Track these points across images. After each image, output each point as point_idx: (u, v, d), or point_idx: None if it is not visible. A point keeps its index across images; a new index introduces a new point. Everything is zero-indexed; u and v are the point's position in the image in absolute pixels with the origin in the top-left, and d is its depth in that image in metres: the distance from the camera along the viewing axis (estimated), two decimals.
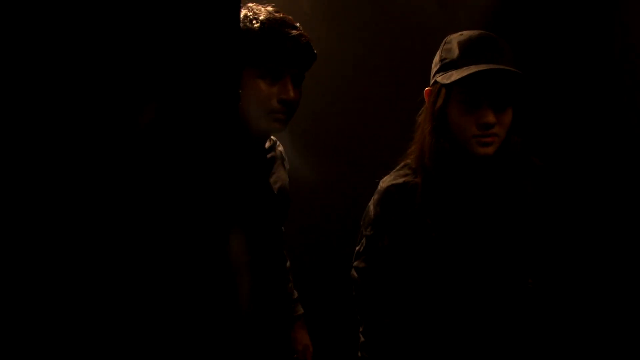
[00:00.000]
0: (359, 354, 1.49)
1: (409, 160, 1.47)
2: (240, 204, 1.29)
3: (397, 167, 1.49)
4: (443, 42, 1.44)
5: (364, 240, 1.48)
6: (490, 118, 1.34)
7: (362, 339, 1.48)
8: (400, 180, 1.43)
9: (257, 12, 1.29)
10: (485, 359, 1.40)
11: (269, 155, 1.52)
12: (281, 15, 1.32)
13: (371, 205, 1.47)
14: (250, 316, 1.37)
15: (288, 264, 1.76)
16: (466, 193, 1.41)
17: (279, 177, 1.54)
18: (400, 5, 2.22)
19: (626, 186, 1.95)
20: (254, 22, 1.26)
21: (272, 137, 1.55)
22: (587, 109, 2.06)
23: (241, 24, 1.25)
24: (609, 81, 2.00)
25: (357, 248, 1.50)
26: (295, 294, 1.78)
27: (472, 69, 1.30)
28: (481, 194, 1.42)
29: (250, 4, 1.33)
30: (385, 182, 1.46)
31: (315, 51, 1.35)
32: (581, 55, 2.06)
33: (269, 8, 1.33)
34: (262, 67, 1.27)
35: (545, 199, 1.48)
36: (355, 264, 1.50)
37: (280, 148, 1.63)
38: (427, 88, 1.46)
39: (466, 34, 1.39)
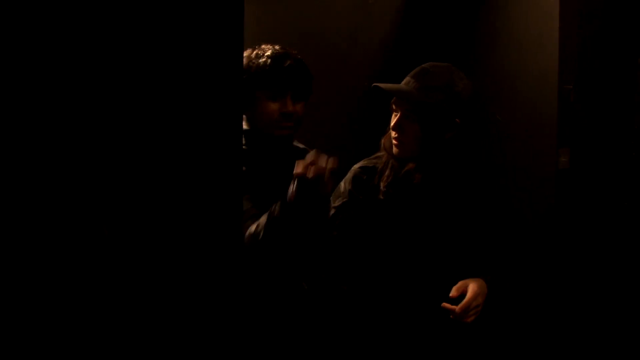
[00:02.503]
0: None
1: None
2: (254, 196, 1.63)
3: (372, 156, 1.83)
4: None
5: (333, 210, 1.77)
6: (394, 124, 1.71)
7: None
8: (370, 164, 1.80)
9: (264, 49, 1.71)
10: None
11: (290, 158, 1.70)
12: (284, 50, 1.72)
13: (343, 183, 1.79)
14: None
15: None
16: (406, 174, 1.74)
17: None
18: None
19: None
20: (260, 57, 1.69)
21: (299, 144, 1.85)
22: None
23: (251, 61, 1.69)
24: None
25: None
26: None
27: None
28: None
29: (262, 45, 1.74)
30: (357, 165, 1.83)
31: (310, 73, 1.73)
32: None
33: (276, 46, 1.72)
34: (268, 90, 1.67)
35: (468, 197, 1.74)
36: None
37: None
38: None
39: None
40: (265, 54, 1.69)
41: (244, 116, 1.72)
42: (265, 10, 2.20)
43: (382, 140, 1.79)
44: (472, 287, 1.61)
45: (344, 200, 1.76)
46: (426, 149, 1.70)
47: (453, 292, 1.60)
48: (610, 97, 2.06)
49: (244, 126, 1.73)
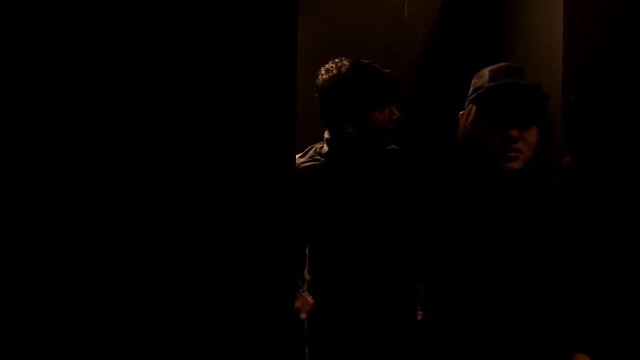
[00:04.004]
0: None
1: None
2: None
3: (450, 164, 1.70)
4: (476, 74, 1.63)
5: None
6: (513, 132, 1.45)
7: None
8: (449, 177, 1.63)
9: (361, 64, 1.83)
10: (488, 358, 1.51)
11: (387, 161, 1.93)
12: (366, 61, 1.85)
13: (422, 190, 1.69)
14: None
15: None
16: (484, 203, 1.53)
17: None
18: None
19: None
20: (362, 71, 1.82)
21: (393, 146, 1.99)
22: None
23: (349, 77, 1.79)
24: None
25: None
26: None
27: (494, 85, 1.50)
28: (498, 206, 1.53)
29: (343, 60, 1.85)
30: (438, 173, 1.69)
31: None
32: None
33: (364, 60, 1.84)
34: (376, 102, 1.80)
35: (558, 221, 1.55)
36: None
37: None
38: (461, 112, 1.65)
39: (497, 64, 1.60)
40: (368, 69, 1.82)
41: (345, 129, 1.84)
42: (307, 26, 2.48)
43: (459, 154, 1.61)
44: None
45: (431, 211, 1.62)
46: (539, 158, 1.54)
47: None
48: (616, 102, 2.19)
49: (349, 135, 1.83)
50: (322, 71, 1.87)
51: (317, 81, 1.89)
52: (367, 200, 1.85)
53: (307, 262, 2.01)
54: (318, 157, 1.92)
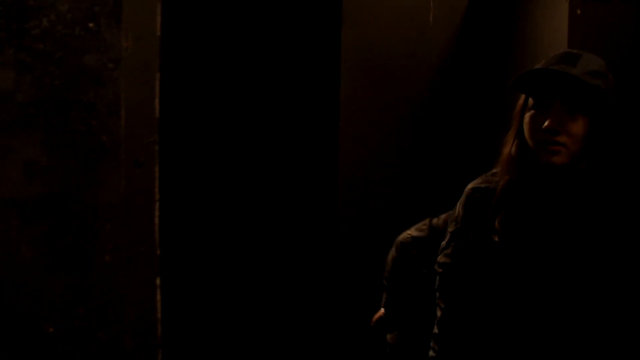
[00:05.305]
0: (432, 344, 1.49)
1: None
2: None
3: (489, 172, 1.50)
4: None
5: (448, 236, 1.50)
6: (552, 123, 1.29)
7: (436, 330, 1.48)
8: (483, 184, 1.46)
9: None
10: None
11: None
12: None
13: (457, 205, 1.50)
14: None
15: None
16: (532, 204, 1.37)
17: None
18: None
19: None
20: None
21: None
22: None
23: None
24: None
25: (442, 243, 1.53)
26: None
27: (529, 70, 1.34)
28: (546, 208, 1.35)
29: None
30: (470, 184, 1.50)
31: None
32: None
33: None
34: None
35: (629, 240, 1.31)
36: (438, 259, 1.52)
37: None
38: None
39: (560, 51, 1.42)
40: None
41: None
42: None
43: (505, 150, 1.42)
44: None
45: (457, 226, 1.48)
46: (592, 151, 1.34)
47: None
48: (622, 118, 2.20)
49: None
50: None
51: None
52: None
53: None
54: None
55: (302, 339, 2.39)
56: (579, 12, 2.34)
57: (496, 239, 1.36)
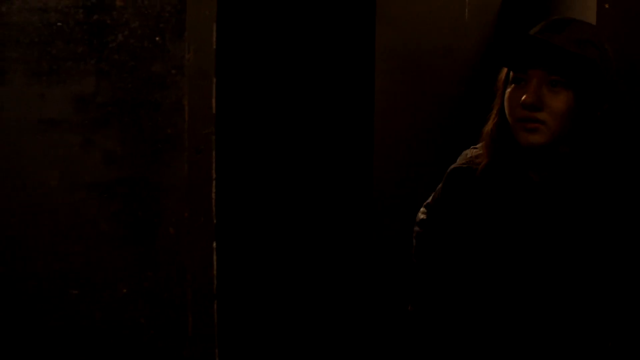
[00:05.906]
0: (409, 307, 1.46)
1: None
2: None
3: (473, 150, 1.38)
4: None
5: (424, 209, 1.47)
6: (530, 97, 1.13)
7: (413, 290, 1.47)
8: (465, 164, 1.34)
9: None
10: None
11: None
12: None
13: (439, 185, 1.43)
14: None
15: None
16: (510, 189, 1.25)
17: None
18: None
19: None
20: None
21: None
22: None
23: None
24: None
25: (417, 214, 1.50)
26: None
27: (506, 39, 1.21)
28: (523, 194, 1.24)
29: None
30: (452, 165, 1.39)
31: None
32: None
33: None
34: None
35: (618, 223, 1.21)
36: (414, 227, 1.49)
37: None
38: None
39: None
40: None
41: None
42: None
43: (486, 129, 1.29)
44: None
45: (431, 205, 1.44)
46: (579, 132, 1.18)
47: None
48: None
49: None
50: None
51: None
52: None
53: None
54: None
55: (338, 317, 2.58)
56: (606, 5, 2.43)
57: (471, 225, 1.29)
